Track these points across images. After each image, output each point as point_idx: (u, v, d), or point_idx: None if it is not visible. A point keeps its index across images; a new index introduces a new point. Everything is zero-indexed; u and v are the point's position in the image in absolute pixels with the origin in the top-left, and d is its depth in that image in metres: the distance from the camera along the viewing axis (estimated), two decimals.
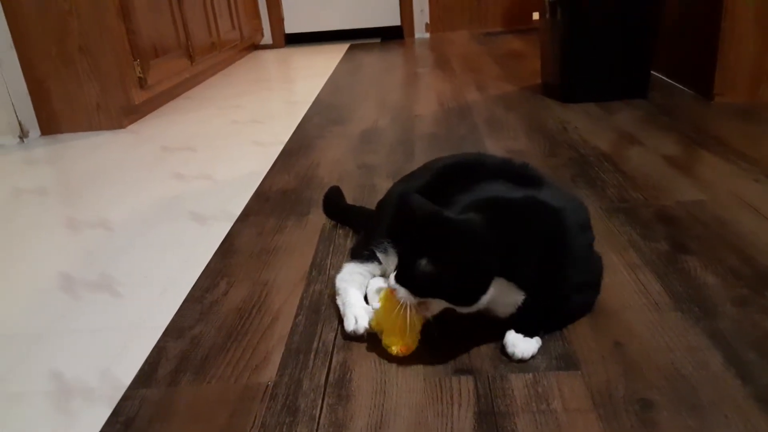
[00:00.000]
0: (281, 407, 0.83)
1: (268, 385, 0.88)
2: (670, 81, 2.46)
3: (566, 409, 0.78)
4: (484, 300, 0.84)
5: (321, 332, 0.99)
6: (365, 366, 0.90)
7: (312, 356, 0.93)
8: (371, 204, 1.31)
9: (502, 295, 0.86)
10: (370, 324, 0.94)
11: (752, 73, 2.06)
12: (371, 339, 0.94)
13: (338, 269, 1.07)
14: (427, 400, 0.82)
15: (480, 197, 0.92)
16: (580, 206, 0.98)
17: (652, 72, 2.31)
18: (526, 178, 0.99)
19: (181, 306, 1.11)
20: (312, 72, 3.42)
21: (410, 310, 0.88)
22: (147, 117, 2.63)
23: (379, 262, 1.05)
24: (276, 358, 0.93)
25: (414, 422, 0.78)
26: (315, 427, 0.79)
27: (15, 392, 0.92)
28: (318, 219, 1.43)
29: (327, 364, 0.91)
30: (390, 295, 0.91)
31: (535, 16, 4.24)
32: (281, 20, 4.48)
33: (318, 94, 2.82)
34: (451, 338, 0.92)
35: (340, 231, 1.36)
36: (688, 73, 2.32)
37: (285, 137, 2.15)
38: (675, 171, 1.56)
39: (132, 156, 2.10)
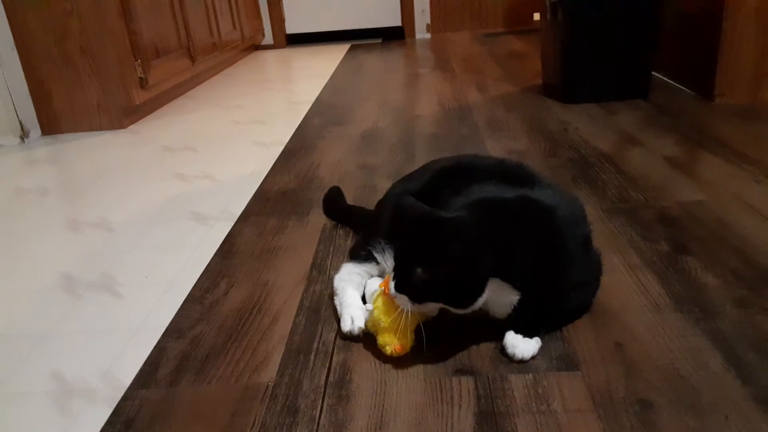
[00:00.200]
0: (281, 408, 0.83)
1: (268, 386, 0.88)
2: (670, 82, 2.46)
3: (566, 410, 0.78)
4: (480, 301, 0.84)
5: (321, 332, 0.99)
6: (365, 366, 0.90)
7: (312, 356, 0.93)
8: (372, 204, 1.31)
9: (496, 296, 0.86)
10: (366, 324, 0.94)
11: (753, 74, 2.06)
12: (370, 339, 0.94)
13: (338, 270, 1.07)
14: (427, 401, 0.82)
15: (472, 198, 0.92)
16: (575, 205, 0.98)
17: (652, 72, 2.31)
18: (520, 178, 1.00)
19: (182, 306, 1.11)
20: (313, 72, 3.42)
21: (405, 312, 0.89)
22: (148, 117, 2.64)
23: (377, 263, 1.05)
24: (276, 359, 0.94)
25: (414, 423, 0.78)
26: (315, 428, 0.79)
27: (16, 392, 0.92)
28: (318, 219, 1.43)
29: (327, 364, 0.91)
30: (384, 296, 0.91)
31: (536, 16, 4.25)
32: (282, 20, 4.48)
33: (319, 95, 2.82)
34: (451, 339, 0.92)
35: (341, 231, 1.36)
36: (688, 73, 2.32)
37: (286, 137, 2.15)
38: (676, 172, 1.56)
39: (133, 156, 2.10)
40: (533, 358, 0.88)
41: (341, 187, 1.48)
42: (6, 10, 2.27)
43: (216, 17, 3.39)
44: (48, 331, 1.08)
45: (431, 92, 2.70)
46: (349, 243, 1.29)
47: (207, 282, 1.19)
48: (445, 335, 0.92)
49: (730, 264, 1.09)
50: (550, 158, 1.73)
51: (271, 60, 4.06)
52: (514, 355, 0.88)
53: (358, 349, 0.94)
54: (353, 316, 0.96)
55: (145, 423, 0.83)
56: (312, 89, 2.95)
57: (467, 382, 0.85)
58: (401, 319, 0.87)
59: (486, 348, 0.92)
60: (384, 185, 1.56)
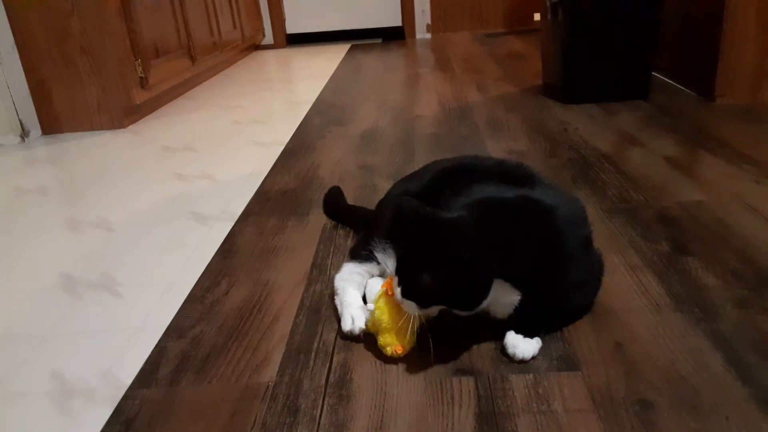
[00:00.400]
0: (282, 407, 0.83)
1: (268, 385, 0.88)
2: (671, 82, 2.46)
3: (567, 410, 0.78)
4: (485, 303, 0.84)
5: (321, 332, 0.99)
6: (366, 366, 0.90)
7: (312, 356, 0.93)
8: (372, 204, 1.31)
9: (498, 296, 0.86)
10: (366, 324, 0.94)
11: (754, 74, 2.06)
12: (371, 339, 0.94)
13: (339, 269, 1.07)
14: (427, 401, 0.82)
15: (472, 199, 0.92)
16: (576, 205, 0.98)
17: (653, 73, 2.31)
18: (521, 179, 1.00)
19: (182, 306, 1.11)
20: (313, 72, 3.42)
21: (407, 313, 0.89)
22: (148, 117, 2.64)
23: (378, 262, 1.06)
24: (276, 358, 0.94)
25: (414, 423, 0.78)
26: (315, 428, 0.79)
27: (16, 392, 0.92)
28: (318, 219, 1.43)
29: (327, 364, 0.91)
30: (387, 296, 0.91)
31: (537, 17, 4.25)
32: (282, 20, 4.48)
33: (319, 95, 2.82)
34: (451, 339, 0.92)
35: (341, 231, 1.36)
36: (689, 74, 2.32)
37: (286, 137, 2.15)
38: (676, 172, 1.56)
39: (133, 156, 2.10)
40: (534, 358, 0.88)
41: (341, 187, 1.48)
42: (6, 10, 2.27)
43: (216, 17, 3.39)
44: (48, 331, 1.08)
45: (431, 92, 2.71)
46: (350, 243, 1.29)
47: (207, 282, 1.19)
48: (446, 336, 0.92)
49: (731, 264, 1.09)
50: (551, 158, 1.73)
51: (272, 60, 4.06)
52: (514, 356, 0.88)
53: (359, 348, 0.94)
54: (354, 315, 0.96)
55: (146, 423, 0.83)
56: (312, 89, 2.95)
57: (468, 382, 0.85)
58: (403, 320, 0.88)
59: (486, 348, 0.92)
60: (384, 185, 1.56)
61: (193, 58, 3.01)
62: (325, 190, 1.48)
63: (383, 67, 3.43)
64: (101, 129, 2.45)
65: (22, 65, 2.33)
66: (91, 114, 2.43)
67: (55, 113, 2.41)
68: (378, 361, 0.91)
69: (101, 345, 1.02)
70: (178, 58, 2.85)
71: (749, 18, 2.00)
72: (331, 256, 1.25)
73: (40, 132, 2.43)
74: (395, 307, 0.89)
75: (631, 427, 0.75)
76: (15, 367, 0.98)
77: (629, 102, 2.24)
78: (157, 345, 1.00)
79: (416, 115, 2.32)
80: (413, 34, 4.54)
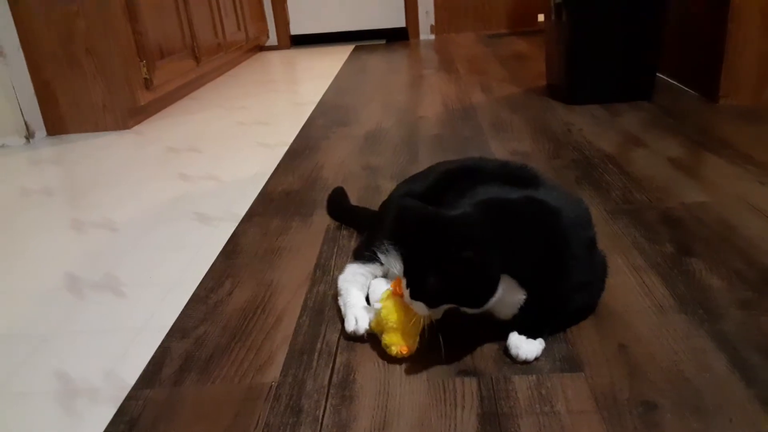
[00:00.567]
0: (285, 408, 0.83)
1: (272, 386, 0.88)
2: (675, 83, 2.46)
3: (570, 411, 0.78)
4: (493, 301, 0.84)
5: (325, 333, 0.99)
6: (369, 367, 0.90)
7: (316, 357, 0.94)
8: (376, 205, 1.31)
9: (504, 295, 0.86)
10: (370, 325, 0.95)
11: (758, 75, 2.06)
12: (374, 340, 0.94)
13: (342, 270, 1.07)
14: (430, 402, 0.82)
15: (478, 200, 0.92)
16: (580, 206, 0.98)
17: (657, 74, 2.30)
18: (525, 180, 1.00)
19: (186, 306, 1.11)
20: (317, 73, 3.43)
21: (413, 311, 0.89)
22: (152, 118, 2.64)
23: (381, 263, 1.06)
24: (280, 359, 0.94)
25: (417, 423, 0.78)
26: (318, 428, 0.79)
27: (20, 392, 0.92)
28: (322, 220, 1.43)
29: (330, 364, 0.91)
30: (394, 296, 0.91)
31: (541, 18, 4.24)
32: (287, 22, 4.49)
33: (323, 96, 2.82)
34: (454, 340, 0.92)
35: (344, 232, 1.36)
36: (693, 75, 2.32)
37: (290, 138, 2.15)
38: (680, 173, 1.55)
39: (137, 157, 2.11)
40: (537, 359, 0.88)
41: (345, 188, 1.48)
42: (12, 11, 2.28)
43: (221, 18, 3.40)
44: (52, 330, 1.08)
45: (435, 93, 2.71)
46: (353, 244, 1.29)
47: (211, 282, 1.19)
48: (449, 336, 0.92)
49: (735, 265, 1.09)
50: (554, 159, 1.73)
51: (276, 61, 4.06)
52: (517, 356, 0.88)
53: (362, 349, 0.94)
54: (357, 316, 0.96)
55: (149, 423, 0.83)
56: (316, 90, 2.95)
57: (470, 383, 0.85)
58: (410, 321, 0.88)
59: (489, 349, 0.92)
60: (388, 186, 1.56)
61: (197, 59, 3.02)
62: (329, 191, 1.48)
63: (387, 68, 3.44)
64: (106, 130, 2.46)
65: (28, 66, 2.34)
66: (96, 115, 2.44)
67: (60, 114, 2.42)
68: (381, 362, 0.91)
69: (105, 345, 1.02)
70: (182, 59, 2.86)
71: (753, 18, 1.99)
72: (334, 257, 1.25)
73: (45, 133, 2.44)
74: (403, 308, 0.89)
75: (635, 429, 0.74)
76: (19, 367, 0.98)
77: (633, 103, 2.24)
78: (160, 345, 1.00)
79: (420, 116, 2.32)
80: (417, 35, 4.54)
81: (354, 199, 1.49)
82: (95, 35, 2.32)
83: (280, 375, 0.90)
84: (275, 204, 1.56)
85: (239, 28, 3.78)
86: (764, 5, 1.98)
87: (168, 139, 2.28)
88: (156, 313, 1.10)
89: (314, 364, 0.92)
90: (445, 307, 0.87)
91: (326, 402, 0.84)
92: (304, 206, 1.53)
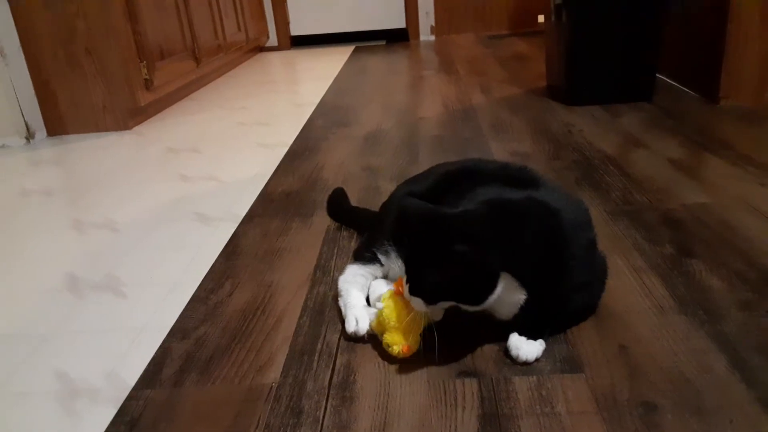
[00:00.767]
0: (285, 408, 0.83)
1: (272, 387, 0.88)
2: (675, 84, 2.46)
3: (570, 412, 0.78)
4: (492, 299, 0.84)
5: (325, 334, 0.99)
6: (369, 368, 0.90)
7: (316, 357, 0.94)
8: (376, 206, 1.31)
9: (504, 295, 0.86)
10: (370, 325, 0.95)
11: (758, 76, 2.06)
12: (374, 340, 0.94)
13: (342, 271, 1.07)
14: (430, 403, 0.82)
15: (479, 199, 0.92)
16: (580, 207, 0.98)
17: (657, 75, 2.30)
18: (524, 181, 1.00)
19: (186, 307, 1.11)
20: (317, 74, 3.43)
21: (415, 312, 0.89)
22: (153, 118, 2.65)
23: (381, 264, 1.06)
24: (280, 360, 0.94)
25: (418, 424, 0.78)
26: (319, 429, 0.79)
27: (20, 392, 0.92)
28: (322, 221, 1.43)
29: (331, 365, 0.91)
30: (396, 295, 0.91)
31: (541, 18, 4.24)
32: (287, 22, 4.49)
33: (323, 97, 2.82)
34: (454, 341, 0.92)
35: (345, 233, 1.36)
36: (693, 75, 2.32)
37: (290, 139, 2.15)
38: (680, 174, 1.55)
39: (137, 157, 2.11)
40: (537, 360, 0.88)
41: (345, 189, 1.48)
42: (12, 11, 2.28)
43: (221, 19, 3.40)
44: (52, 331, 1.08)
45: (435, 94, 2.71)
46: (353, 244, 1.29)
47: (211, 283, 1.19)
48: (449, 337, 0.92)
49: (735, 266, 1.09)
50: (554, 160, 1.73)
51: (276, 62, 4.07)
52: (518, 357, 0.88)
53: (362, 350, 0.94)
54: (357, 317, 0.96)
55: (150, 423, 0.83)
56: (316, 91, 2.95)
57: (471, 384, 0.85)
58: (411, 320, 0.88)
59: (490, 350, 0.92)
60: (388, 187, 1.56)
61: (197, 60, 3.02)
62: (329, 192, 1.48)
63: (387, 69, 3.44)
64: (106, 130, 2.46)
65: (28, 66, 2.34)
66: (96, 115, 2.44)
67: (60, 115, 2.42)
68: (381, 363, 0.91)
69: (105, 345, 1.02)
70: (182, 59, 2.86)
71: (753, 19, 1.99)
72: (334, 258, 1.25)
73: (45, 133, 2.44)
74: (404, 307, 0.89)
75: (635, 430, 0.74)
76: (19, 367, 0.98)
77: (633, 104, 2.24)
78: (161, 346, 1.00)
79: (420, 117, 2.32)
80: (417, 36, 4.54)
81: (354, 200, 1.49)
82: (95, 36, 2.32)
83: (281, 376, 0.90)
84: (275, 205, 1.56)
85: (239, 29, 3.78)
86: (764, 6, 1.98)
87: (168, 140, 2.28)
88: (156, 314, 1.10)
89: (314, 365, 0.92)
90: (446, 305, 0.87)
91: (326, 403, 0.84)
92: (304, 207, 1.53)
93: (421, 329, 0.90)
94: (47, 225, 1.58)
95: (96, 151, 2.21)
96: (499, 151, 1.84)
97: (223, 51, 3.44)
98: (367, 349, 0.94)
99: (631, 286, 1.05)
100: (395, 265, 1.04)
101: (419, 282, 0.85)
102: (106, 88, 2.39)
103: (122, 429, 0.82)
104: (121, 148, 2.23)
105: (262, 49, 4.51)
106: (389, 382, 0.87)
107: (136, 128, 2.50)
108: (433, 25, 4.55)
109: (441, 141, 2.00)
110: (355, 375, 0.89)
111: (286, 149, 2.04)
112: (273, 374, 0.91)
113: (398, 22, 4.48)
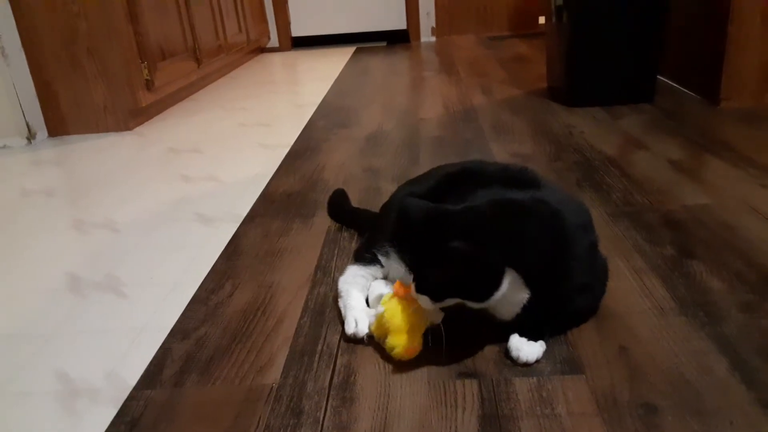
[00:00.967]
0: (285, 409, 0.83)
1: (272, 387, 0.88)
2: (676, 85, 2.46)
3: (570, 414, 0.78)
4: (499, 294, 0.84)
5: (325, 334, 0.99)
6: (369, 368, 0.90)
7: (316, 358, 0.94)
8: (376, 207, 1.31)
9: (509, 293, 0.86)
10: (370, 328, 0.95)
11: (759, 78, 2.06)
12: (374, 341, 0.94)
13: (343, 272, 1.07)
14: (431, 404, 0.82)
15: (482, 199, 0.92)
16: (581, 209, 0.98)
17: (658, 76, 2.30)
18: (525, 182, 1.00)
19: (187, 307, 1.11)
20: (318, 75, 3.43)
21: (416, 313, 0.89)
22: (154, 119, 2.65)
23: (382, 265, 1.06)
24: (280, 360, 0.94)
25: (418, 425, 0.78)
26: (319, 429, 0.79)
27: (21, 392, 0.92)
28: (323, 221, 1.43)
29: (331, 366, 0.91)
30: (396, 297, 0.91)
31: (542, 20, 4.25)
32: (288, 23, 4.49)
33: (324, 97, 2.83)
34: (455, 342, 0.92)
35: (345, 233, 1.36)
36: (694, 77, 2.32)
37: (291, 140, 2.15)
38: (681, 175, 1.55)
39: (138, 158, 2.11)
40: (537, 361, 0.88)
41: (346, 190, 1.48)
42: (14, 11, 2.28)
43: (222, 20, 3.41)
44: (53, 331, 1.08)
45: (436, 95, 2.71)
46: (354, 245, 1.29)
47: (212, 283, 1.19)
48: (450, 338, 0.92)
49: (736, 268, 1.09)
50: (555, 162, 1.73)
51: (277, 63, 4.07)
52: (518, 358, 0.88)
53: (363, 351, 0.94)
54: (357, 318, 0.96)
55: (150, 423, 0.83)
56: (317, 92, 2.95)
57: (471, 385, 0.85)
58: (413, 322, 0.88)
59: (490, 351, 0.92)
60: (388, 188, 1.56)
61: (198, 61, 3.03)
62: (330, 193, 1.48)
63: (388, 70, 3.44)
64: (107, 131, 2.46)
65: (29, 67, 2.35)
66: (98, 116, 2.44)
67: (62, 115, 2.43)
68: (381, 364, 0.91)
69: (106, 345, 1.02)
70: (184, 60, 2.86)
71: (754, 21, 1.99)
72: (335, 259, 1.25)
73: (46, 134, 2.44)
74: (406, 309, 0.89)
75: (635, 431, 0.74)
76: (20, 367, 0.98)
77: (634, 105, 2.24)
78: (161, 346, 1.00)
79: (421, 118, 2.32)
80: (418, 38, 4.54)
81: (355, 201, 1.49)
82: (97, 36, 2.32)
83: (281, 376, 0.90)
84: (276, 205, 1.56)
85: (240, 30, 3.78)
86: (765, 8, 1.98)
87: (169, 140, 2.28)
88: (157, 314, 1.10)
89: (315, 365, 0.92)
90: (451, 302, 0.86)
91: (327, 404, 0.84)
92: (304, 208, 1.53)
93: (423, 330, 0.90)
94: (48, 225, 1.58)
95: (97, 152, 2.21)
96: (499, 152, 1.84)
97: (224, 52, 3.44)
98: (368, 350, 0.94)
99: (631, 287, 1.05)
100: (395, 266, 1.04)
101: (425, 280, 0.85)
102: (107, 88, 2.39)
103: (122, 429, 0.82)
104: (122, 149, 2.23)
105: (263, 50, 4.51)
106: (389, 383, 0.87)
107: (137, 129, 2.50)
108: (434, 26, 4.55)
109: (442, 142, 2.00)
110: (355, 376, 0.89)
111: (287, 150, 2.04)
112: (273, 375, 0.91)
113: (399, 23, 4.49)
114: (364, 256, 1.08)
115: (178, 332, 1.04)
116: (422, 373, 0.88)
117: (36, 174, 2.02)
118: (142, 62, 2.45)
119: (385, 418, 0.80)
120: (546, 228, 0.88)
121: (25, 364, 0.99)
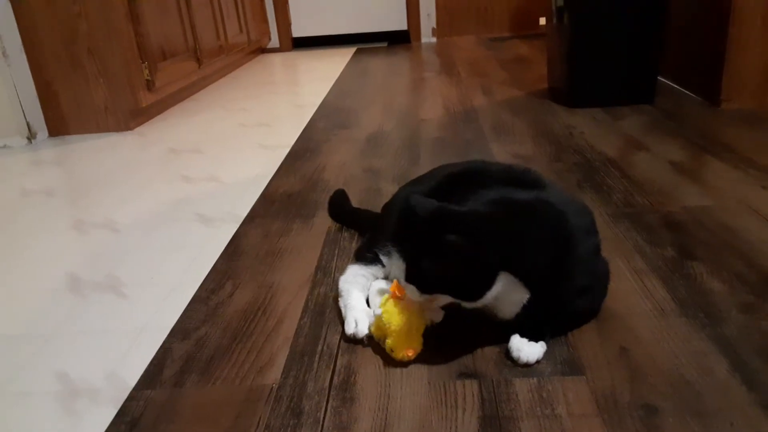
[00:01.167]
0: (286, 409, 0.83)
1: (272, 387, 0.88)
2: (676, 86, 2.46)
3: (571, 414, 0.78)
4: (490, 296, 0.84)
5: (326, 334, 0.99)
6: (369, 369, 0.90)
7: (316, 358, 0.94)
8: (377, 207, 1.31)
9: (507, 293, 0.86)
10: (370, 328, 0.95)
11: (759, 79, 2.06)
12: (374, 342, 0.94)
13: (343, 272, 1.07)
14: (431, 404, 0.82)
15: (486, 198, 0.92)
16: (584, 210, 0.98)
17: (658, 77, 2.30)
18: (528, 183, 1.00)
19: (187, 307, 1.11)
20: (319, 75, 3.43)
21: (415, 314, 0.89)
22: (154, 119, 2.65)
23: (383, 265, 1.06)
24: (281, 360, 0.94)
25: (418, 426, 0.78)
26: (319, 430, 0.79)
27: (21, 392, 0.92)
28: (323, 222, 1.43)
29: (331, 366, 0.91)
30: (394, 299, 0.91)
31: (542, 21, 4.25)
32: (288, 24, 4.49)
33: (324, 98, 2.83)
34: (455, 342, 0.92)
35: (346, 234, 1.36)
36: (694, 78, 2.32)
37: (291, 140, 2.15)
38: (681, 177, 1.55)
39: (139, 158, 2.11)
40: (538, 362, 0.88)
41: (346, 190, 1.48)
42: (14, 12, 2.28)
43: (223, 20, 3.41)
44: (53, 331, 1.08)
45: (437, 96, 2.71)
46: (354, 246, 1.29)
47: (212, 283, 1.19)
48: (450, 338, 0.92)
49: (736, 269, 1.09)
50: (556, 162, 1.73)
51: (277, 63, 4.07)
52: (519, 359, 0.87)
53: (363, 351, 0.94)
54: (357, 319, 0.96)
55: (150, 424, 0.83)
56: (318, 92, 2.95)
57: (471, 386, 0.85)
58: (411, 323, 0.88)
59: (490, 351, 0.91)
60: (389, 188, 1.56)
61: (199, 61, 3.03)
62: (330, 193, 1.48)
63: (389, 71, 3.44)
64: (108, 131, 2.46)
65: (30, 67, 2.35)
66: (98, 116, 2.44)
67: (62, 115, 2.43)
68: (382, 364, 0.91)
69: (106, 345, 1.02)
70: (184, 60, 2.86)
71: (755, 22, 1.99)
72: (335, 259, 1.25)
73: (46, 134, 2.44)
74: (403, 311, 0.89)
75: None
76: (20, 367, 0.98)
77: (635, 106, 2.24)
78: (161, 346, 1.00)
79: (422, 119, 2.32)
80: (419, 38, 4.55)
81: (355, 202, 1.49)
82: (97, 36, 2.33)
83: (281, 377, 0.90)
84: (276, 206, 1.56)
85: (241, 30, 3.78)
86: (765, 9, 1.98)
87: (169, 141, 2.28)
88: (157, 314, 1.10)
89: (315, 365, 0.92)
90: (442, 300, 0.86)
91: (327, 404, 0.84)
92: (305, 208, 1.53)
93: (422, 331, 0.90)
94: (48, 225, 1.58)
95: (97, 152, 2.21)
96: (500, 153, 1.84)
97: (225, 52, 3.44)
98: (368, 351, 0.94)
99: (632, 289, 1.05)
100: (397, 265, 1.04)
101: (415, 270, 0.85)
102: (107, 88, 2.40)
103: (122, 429, 0.82)
104: (122, 149, 2.23)
105: (264, 50, 4.51)
106: (390, 384, 0.87)
107: (137, 129, 2.50)
108: (435, 27, 4.55)
109: (442, 143, 2.00)
110: (355, 376, 0.89)
111: (287, 150, 2.04)
112: (273, 375, 0.91)
113: (400, 24, 4.49)
114: (366, 256, 1.08)
115: (179, 332, 1.04)
116: (422, 374, 0.88)
117: (36, 174, 2.02)
118: (143, 62, 2.45)
119: (386, 418, 0.80)
120: (549, 229, 0.88)
121: (25, 364, 0.99)
